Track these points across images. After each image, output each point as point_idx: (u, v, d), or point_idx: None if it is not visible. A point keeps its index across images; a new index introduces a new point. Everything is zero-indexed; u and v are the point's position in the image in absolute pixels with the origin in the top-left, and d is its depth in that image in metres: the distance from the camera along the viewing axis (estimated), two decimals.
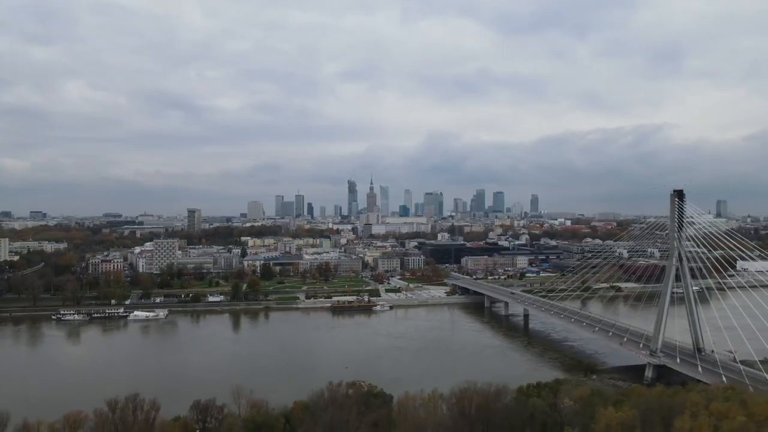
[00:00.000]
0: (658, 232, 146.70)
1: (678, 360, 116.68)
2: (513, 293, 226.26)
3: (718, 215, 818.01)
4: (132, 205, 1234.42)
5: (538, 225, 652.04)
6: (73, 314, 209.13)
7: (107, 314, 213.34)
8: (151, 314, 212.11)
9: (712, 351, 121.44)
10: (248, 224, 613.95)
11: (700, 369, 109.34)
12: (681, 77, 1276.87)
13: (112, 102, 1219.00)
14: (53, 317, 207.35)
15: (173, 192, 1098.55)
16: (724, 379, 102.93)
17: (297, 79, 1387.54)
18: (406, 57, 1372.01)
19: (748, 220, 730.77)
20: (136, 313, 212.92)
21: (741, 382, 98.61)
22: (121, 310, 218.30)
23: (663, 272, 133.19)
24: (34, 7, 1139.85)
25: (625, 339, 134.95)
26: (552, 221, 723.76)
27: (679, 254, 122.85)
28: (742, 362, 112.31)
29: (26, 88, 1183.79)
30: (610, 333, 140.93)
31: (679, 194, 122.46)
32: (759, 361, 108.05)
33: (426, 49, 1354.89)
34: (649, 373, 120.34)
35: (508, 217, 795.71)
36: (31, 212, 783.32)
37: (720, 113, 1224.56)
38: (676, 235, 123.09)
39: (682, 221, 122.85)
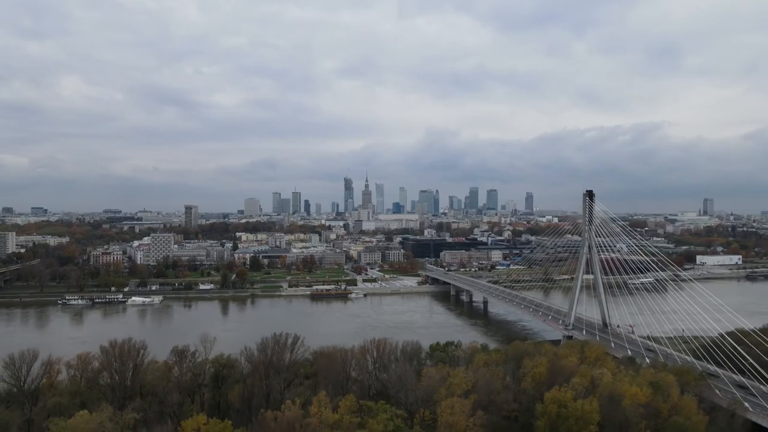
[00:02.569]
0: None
1: (584, 332, 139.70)
2: (474, 283, 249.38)
3: (705, 213, 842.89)
4: (131, 201, 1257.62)
5: (524, 222, 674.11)
6: (77, 299, 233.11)
7: (107, 299, 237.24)
8: (147, 300, 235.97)
9: (618, 326, 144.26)
10: (244, 220, 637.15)
11: (598, 338, 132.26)
12: (679, 75, 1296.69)
13: (108, 98, 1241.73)
14: (59, 302, 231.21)
15: (172, 188, 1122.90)
16: (613, 345, 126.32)
17: (293, 76, 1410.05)
18: (403, 53, 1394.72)
19: (731, 218, 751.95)
20: (133, 298, 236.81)
21: (622, 346, 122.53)
22: (120, 296, 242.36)
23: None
24: (27, 2, 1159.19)
25: (550, 317, 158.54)
26: (540, 218, 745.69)
27: (589, 245, 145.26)
28: (653, 337, 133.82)
29: (21, 83, 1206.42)
30: (540, 312, 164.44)
31: (589, 194, 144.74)
32: (666, 337, 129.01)
33: (423, 45, 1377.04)
34: (563, 343, 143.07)
35: (497, 214, 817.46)
36: (32, 208, 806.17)
37: (718, 111, 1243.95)
38: (587, 228, 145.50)
39: (592, 217, 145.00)
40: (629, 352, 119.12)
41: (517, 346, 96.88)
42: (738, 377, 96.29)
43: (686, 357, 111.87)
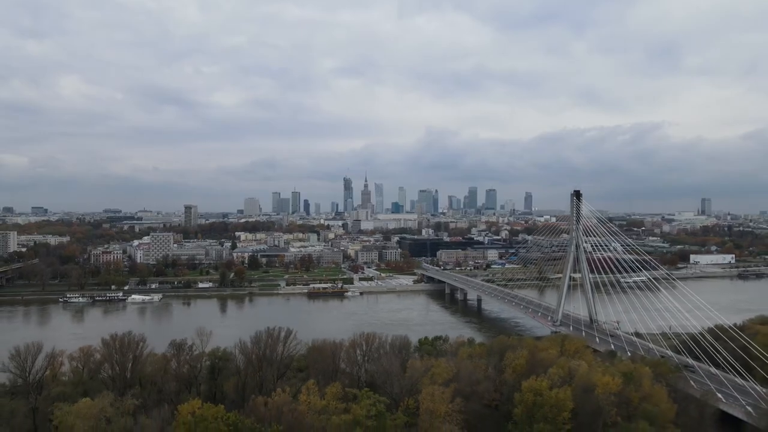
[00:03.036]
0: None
1: (571, 328, 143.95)
2: (468, 281, 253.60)
3: (702, 212, 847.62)
4: (131, 200, 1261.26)
5: (522, 222, 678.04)
6: (78, 297, 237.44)
7: (108, 297, 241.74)
8: (147, 298, 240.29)
9: (604, 322, 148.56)
10: (243, 220, 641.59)
11: (584, 334, 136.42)
12: (679, 74, 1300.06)
13: (108, 97, 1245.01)
14: (60, 300, 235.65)
15: (171, 188, 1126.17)
16: (598, 340, 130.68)
17: (293, 75, 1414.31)
18: (403, 53, 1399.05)
19: (728, 217, 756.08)
20: (133, 296, 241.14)
21: (606, 341, 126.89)
22: (120, 294, 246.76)
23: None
24: (27, 1, 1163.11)
25: (539, 314, 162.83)
26: (538, 218, 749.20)
27: (577, 243, 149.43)
28: (637, 333, 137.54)
29: (21, 82, 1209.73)
30: (530, 309, 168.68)
31: (576, 194, 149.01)
32: (649, 333, 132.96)
33: (422, 45, 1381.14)
34: (545, 337, 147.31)
35: (494, 214, 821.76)
36: (32, 208, 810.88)
37: (718, 111, 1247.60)
38: (574, 227, 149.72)
39: (579, 216, 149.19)
40: (612, 347, 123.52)
41: (501, 340, 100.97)
42: (714, 370, 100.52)
43: (666, 351, 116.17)
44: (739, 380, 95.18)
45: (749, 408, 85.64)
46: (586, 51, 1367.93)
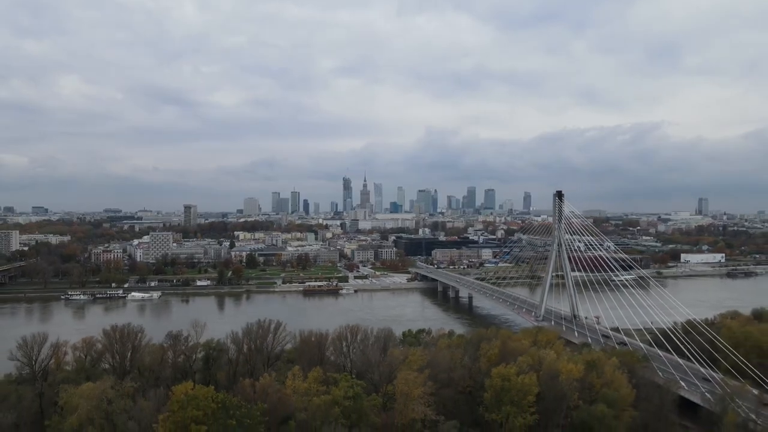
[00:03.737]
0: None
1: (552, 322, 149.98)
2: (460, 279, 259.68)
3: (700, 212, 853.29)
4: (131, 200, 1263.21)
5: (519, 222, 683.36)
6: (79, 295, 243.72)
7: (108, 295, 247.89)
8: (146, 295, 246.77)
9: (586, 318, 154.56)
10: (242, 220, 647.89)
11: (564, 328, 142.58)
12: (679, 74, 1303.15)
13: (107, 97, 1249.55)
14: (62, 297, 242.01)
15: (171, 188, 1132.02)
16: (576, 333, 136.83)
17: (292, 75, 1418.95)
18: (403, 52, 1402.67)
19: (724, 217, 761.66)
20: (133, 294, 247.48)
21: (583, 334, 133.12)
22: (120, 291, 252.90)
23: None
24: (27, 1, 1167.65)
25: (524, 309, 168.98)
26: (535, 218, 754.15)
27: (559, 242, 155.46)
28: (615, 328, 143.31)
29: (20, 82, 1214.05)
30: (516, 305, 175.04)
31: (558, 194, 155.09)
32: (623, 328, 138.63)
33: (422, 44, 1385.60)
34: (520, 329, 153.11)
35: (492, 213, 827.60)
36: (33, 207, 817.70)
37: (718, 111, 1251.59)
38: (556, 226, 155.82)
39: (562, 216, 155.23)
40: (589, 340, 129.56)
41: (479, 332, 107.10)
42: (680, 360, 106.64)
43: (638, 343, 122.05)
44: (703, 370, 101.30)
45: (708, 395, 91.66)
46: (586, 51, 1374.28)
